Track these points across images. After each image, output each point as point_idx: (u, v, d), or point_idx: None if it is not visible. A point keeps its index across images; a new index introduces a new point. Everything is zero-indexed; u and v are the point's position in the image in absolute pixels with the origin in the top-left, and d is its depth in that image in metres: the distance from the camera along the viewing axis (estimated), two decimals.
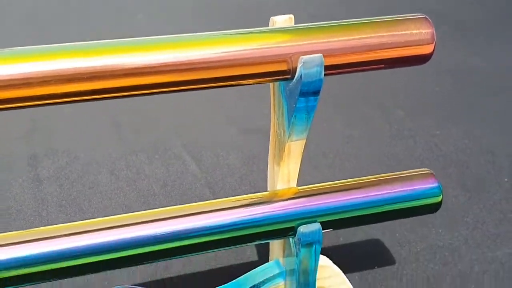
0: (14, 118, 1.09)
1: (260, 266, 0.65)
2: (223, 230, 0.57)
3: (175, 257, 0.58)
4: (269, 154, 0.62)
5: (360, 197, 0.61)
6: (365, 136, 1.05)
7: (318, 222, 0.59)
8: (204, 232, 0.57)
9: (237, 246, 0.59)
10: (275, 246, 0.67)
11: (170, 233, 0.56)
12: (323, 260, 0.65)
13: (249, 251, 0.80)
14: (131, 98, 0.52)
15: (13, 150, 1.00)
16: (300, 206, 0.59)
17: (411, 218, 0.85)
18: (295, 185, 0.62)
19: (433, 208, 0.64)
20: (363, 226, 0.83)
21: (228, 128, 1.08)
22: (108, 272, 0.74)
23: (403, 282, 0.75)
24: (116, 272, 0.75)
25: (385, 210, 0.62)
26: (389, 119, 1.12)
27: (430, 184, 0.63)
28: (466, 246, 0.81)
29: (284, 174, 0.61)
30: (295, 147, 0.59)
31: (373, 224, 0.84)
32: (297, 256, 0.60)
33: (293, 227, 0.59)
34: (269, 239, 0.60)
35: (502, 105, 1.17)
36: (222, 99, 1.17)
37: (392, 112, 1.15)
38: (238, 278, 0.65)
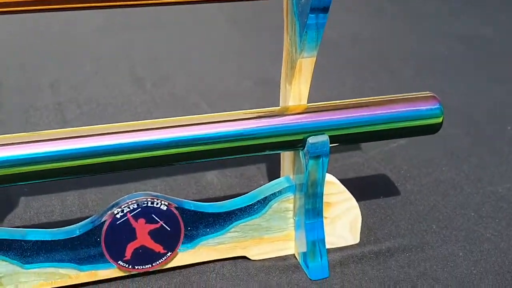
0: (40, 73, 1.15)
1: (271, 182, 0.70)
2: (235, 138, 0.62)
3: (187, 161, 0.62)
4: (281, 74, 0.67)
5: (367, 114, 0.65)
6: (375, 91, 1.09)
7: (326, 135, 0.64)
8: (219, 139, 0.62)
9: (248, 154, 0.64)
10: (286, 164, 0.71)
11: (184, 138, 0.61)
12: (329, 177, 0.69)
13: (261, 174, 0.84)
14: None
15: (41, 98, 1.05)
16: (310, 120, 0.64)
17: (417, 158, 0.89)
18: (306, 103, 0.66)
19: (435, 128, 0.68)
20: (371, 162, 0.88)
21: (243, 80, 1.13)
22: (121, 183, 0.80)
23: (407, 210, 0.79)
24: (128, 185, 0.81)
25: (389, 127, 0.66)
26: (398, 78, 1.17)
27: (432, 106, 0.67)
28: (467, 181, 0.85)
29: (296, 92, 0.65)
30: (306, 64, 0.63)
31: (380, 161, 0.89)
32: (306, 168, 0.65)
33: (302, 139, 0.64)
34: (279, 150, 0.65)
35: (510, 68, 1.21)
36: (239, 54, 1.22)
37: (402, 71, 1.19)
38: (250, 192, 0.70)
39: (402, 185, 0.84)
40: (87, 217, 0.67)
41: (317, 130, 0.64)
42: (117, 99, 1.06)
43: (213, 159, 0.63)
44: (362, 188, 0.83)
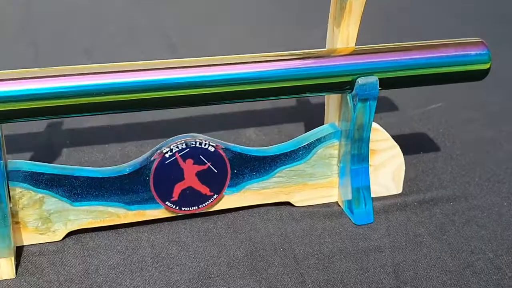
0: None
1: (316, 128, 0.70)
2: (282, 78, 0.62)
3: (232, 101, 0.63)
4: (329, 17, 0.67)
5: (416, 57, 0.65)
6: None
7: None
8: (266, 78, 0.62)
9: (296, 96, 0.64)
10: (330, 110, 0.71)
11: (231, 76, 0.61)
12: (374, 124, 0.69)
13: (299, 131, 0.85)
14: None
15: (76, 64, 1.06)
16: (358, 61, 0.64)
17: (455, 119, 0.89)
18: (354, 46, 0.66)
19: (482, 73, 0.68)
20: (409, 122, 0.88)
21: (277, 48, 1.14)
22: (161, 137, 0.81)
23: (448, 164, 0.79)
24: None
25: (438, 71, 0.66)
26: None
27: (481, 51, 0.67)
28: (507, 139, 0.84)
29: (344, 35, 0.65)
30: (356, 5, 0.63)
31: (418, 121, 0.88)
32: (353, 112, 0.65)
33: (350, 80, 0.64)
34: (325, 92, 0.65)
35: None
36: (271, 22, 1.23)
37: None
38: (294, 138, 0.70)
39: (442, 142, 0.84)
40: None
41: (366, 72, 0.64)
42: None
43: (260, 99, 0.64)
44: (401, 144, 0.82)
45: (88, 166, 0.76)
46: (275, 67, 0.62)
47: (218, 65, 0.62)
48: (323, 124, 0.72)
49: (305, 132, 0.84)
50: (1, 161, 0.57)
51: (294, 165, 0.69)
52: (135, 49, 1.11)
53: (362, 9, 0.64)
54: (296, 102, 0.94)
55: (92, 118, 0.87)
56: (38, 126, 0.84)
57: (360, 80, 0.63)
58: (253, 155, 0.67)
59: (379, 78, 0.64)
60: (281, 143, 0.70)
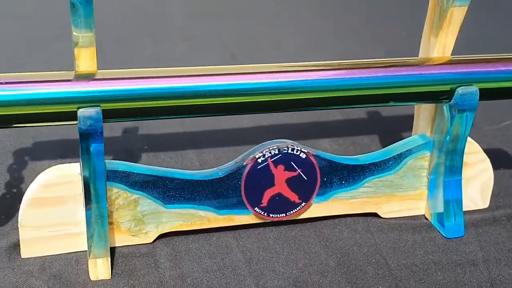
0: None
1: (406, 139, 0.69)
2: (379, 85, 0.62)
3: (321, 107, 0.63)
4: (425, 26, 0.66)
5: None
6: None
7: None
8: (361, 85, 0.62)
9: (391, 104, 0.63)
10: (421, 121, 0.70)
11: (318, 83, 0.61)
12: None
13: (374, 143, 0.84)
14: None
15: None
16: (458, 71, 0.63)
17: None
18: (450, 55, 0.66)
19: None
20: (484, 137, 0.86)
21: None
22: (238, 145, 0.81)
23: None
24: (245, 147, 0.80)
25: None
26: None
27: None
28: None
29: (441, 44, 0.65)
30: (457, 14, 0.63)
31: (494, 137, 0.87)
32: (450, 122, 0.64)
33: (448, 90, 0.63)
34: (420, 101, 0.64)
35: None
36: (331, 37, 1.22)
37: None
38: (384, 148, 0.69)
39: None
40: None
41: (465, 82, 0.63)
42: None
43: (352, 106, 0.63)
44: None
45: None
46: (371, 74, 0.62)
47: (305, 71, 0.61)
48: (394, 137, 0.71)
49: (381, 144, 0.84)
50: (102, 161, 0.57)
51: (383, 175, 0.68)
52: (195, 59, 1.11)
53: (462, 19, 0.63)
54: (366, 114, 0.93)
55: (168, 124, 0.87)
56: (115, 131, 0.84)
57: (461, 90, 0.63)
58: (343, 164, 0.66)
59: (480, 88, 0.63)
60: (357, 154, 0.69)
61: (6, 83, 0.54)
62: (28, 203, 0.59)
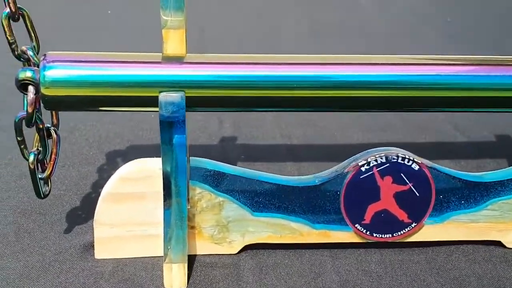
0: None
1: None
2: None
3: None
4: None
5: None
6: None
7: None
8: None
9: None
10: None
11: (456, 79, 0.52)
12: None
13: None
14: None
15: None
16: None
17: None
18: None
19: None
20: None
21: None
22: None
23: None
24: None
25: None
26: None
27: None
28: None
29: None
30: None
31: None
32: None
33: None
34: None
35: None
36: None
37: None
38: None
39: None
40: None
41: None
42: None
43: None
44: None
45: None
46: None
47: (447, 65, 0.53)
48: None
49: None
50: (184, 154, 0.51)
51: (511, 197, 0.57)
52: None
53: None
54: (494, 137, 0.82)
55: (266, 134, 0.81)
56: (212, 139, 0.79)
57: None
58: (464, 180, 0.57)
59: None
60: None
61: (86, 61, 0.50)
62: (105, 198, 0.54)
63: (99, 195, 0.64)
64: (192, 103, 0.50)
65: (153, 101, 0.49)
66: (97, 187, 0.67)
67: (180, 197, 0.52)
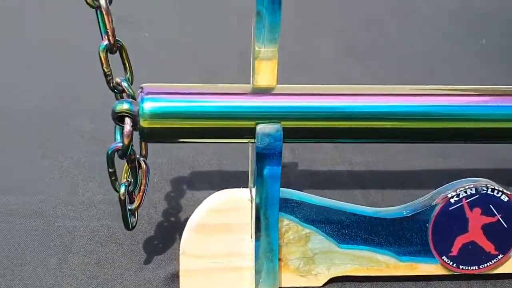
0: None
1: None
2: None
3: None
4: None
5: None
6: None
7: None
8: None
9: None
10: None
11: None
12: None
13: None
14: None
15: None
16: None
17: None
18: None
19: None
20: None
21: None
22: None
23: None
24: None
25: None
26: None
27: None
28: None
29: None
30: None
31: None
32: None
33: None
34: None
35: None
36: None
37: None
38: None
39: None
40: None
41: None
42: None
43: None
44: None
45: None
46: None
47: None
48: None
49: None
50: (278, 186, 0.50)
51: None
52: None
53: None
54: None
55: (330, 161, 0.80)
56: None
57: None
58: None
59: None
60: None
61: (183, 93, 0.49)
62: (193, 229, 0.53)
63: (171, 224, 0.64)
64: (288, 135, 0.49)
65: (249, 132, 0.49)
66: (168, 215, 0.66)
67: (270, 229, 0.51)
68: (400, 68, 1.15)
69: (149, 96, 0.48)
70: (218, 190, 0.69)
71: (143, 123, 0.48)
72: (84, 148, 0.79)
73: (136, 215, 0.54)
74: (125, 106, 0.48)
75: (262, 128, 0.49)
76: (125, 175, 0.52)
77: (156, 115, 0.48)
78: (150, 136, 0.48)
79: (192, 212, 0.54)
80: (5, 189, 0.69)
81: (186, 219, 0.55)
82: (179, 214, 0.67)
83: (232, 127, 0.49)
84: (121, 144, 0.48)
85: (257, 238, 0.52)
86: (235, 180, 0.73)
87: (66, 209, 0.66)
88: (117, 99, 0.52)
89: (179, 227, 0.63)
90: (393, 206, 0.57)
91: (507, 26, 1.40)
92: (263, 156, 0.49)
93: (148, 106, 0.48)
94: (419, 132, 0.51)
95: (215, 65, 1.10)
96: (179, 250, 0.54)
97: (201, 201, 0.55)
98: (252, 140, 0.49)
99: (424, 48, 1.27)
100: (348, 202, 0.66)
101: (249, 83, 0.52)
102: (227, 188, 0.68)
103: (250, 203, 0.53)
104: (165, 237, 0.62)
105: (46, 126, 0.84)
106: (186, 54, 1.16)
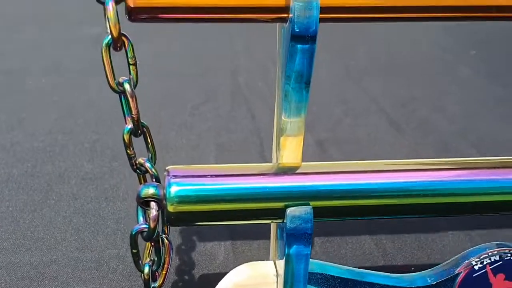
0: None
1: None
2: None
3: None
4: None
5: None
6: None
7: None
8: None
9: None
10: None
11: None
12: None
13: None
14: None
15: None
16: None
17: None
18: None
19: None
20: None
21: None
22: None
23: None
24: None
25: None
26: None
27: None
28: None
29: None
30: None
31: None
32: None
33: None
34: None
35: None
36: None
37: None
38: None
39: None
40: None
41: None
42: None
43: None
44: None
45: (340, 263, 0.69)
46: None
47: None
48: None
49: None
50: (307, 266, 0.50)
51: None
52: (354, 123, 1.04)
53: None
54: None
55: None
56: None
57: None
58: None
59: None
60: None
61: (209, 176, 0.48)
62: None
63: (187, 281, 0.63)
64: (318, 214, 0.48)
65: (278, 214, 0.48)
66: (181, 272, 0.65)
67: None
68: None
69: (176, 180, 0.47)
70: (230, 243, 0.69)
71: (170, 208, 0.46)
72: None
73: None
74: (151, 191, 0.46)
75: (292, 210, 0.48)
76: (148, 254, 0.51)
77: (183, 200, 0.46)
78: (177, 220, 0.47)
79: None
80: None
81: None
82: (193, 271, 0.66)
83: (261, 209, 0.48)
84: (146, 226, 0.47)
85: None
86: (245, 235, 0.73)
87: None
88: (139, 179, 0.51)
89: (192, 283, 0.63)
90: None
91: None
92: (293, 237, 0.48)
93: (175, 190, 0.46)
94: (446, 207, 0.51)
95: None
96: None
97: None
98: (281, 221, 0.48)
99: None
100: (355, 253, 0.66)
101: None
102: (237, 241, 0.67)
103: (276, 278, 0.52)
104: None
105: None
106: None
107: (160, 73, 1.16)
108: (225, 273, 0.66)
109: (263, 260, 0.66)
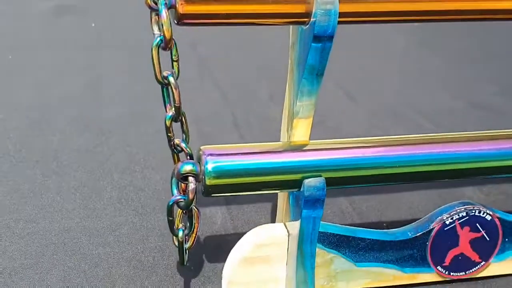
0: None
1: None
2: None
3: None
4: None
5: None
6: None
7: None
8: None
9: None
10: None
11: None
12: None
13: None
14: None
15: None
16: None
17: None
18: None
19: None
20: None
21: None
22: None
23: None
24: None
25: None
26: None
27: None
28: None
29: None
30: None
31: None
32: None
33: None
34: None
35: None
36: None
37: None
38: None
39: None
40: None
41: None
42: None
43: None
44: None
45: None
46: None
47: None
48: None
49: None
50: (318, 226, 0.60)
51: None
52: None
53: None
54: None
55: None
56: None
57: None
58: None
59: None
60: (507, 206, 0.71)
61: (238, 153, 0.57)
62: (239, 261, 0.62)
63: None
64: (330, 183, 0.58)
65: (296, 184, 0.58)
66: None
67: (307, 261, 0.61)
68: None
69: (212, 158, 0.55)
70: (225, 208, 0.77)
71: (208, 181, 0.55)
72: None
73: (188, 253, 0.61)
74: (189, 167, 0.55)
75: (309, 181, 0.57)
76: (180, 220, 0.59)
77: (219, 175, 0.55)
78: (213, 191, 0.56)
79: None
80: None
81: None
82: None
83: (282, 180, 0.57)
84: (182, 198, 0.55)
85: (295, 269, 0.61)
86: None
87: None
88: (174, 157, 0.59)
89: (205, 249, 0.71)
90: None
91: None
92: (310, 203, 0.58)
93: (212, 166, 0.55)
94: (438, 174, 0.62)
95: None
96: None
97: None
98: (298, 190, 0.58)
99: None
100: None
101: None
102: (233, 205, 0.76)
103: (287, 237, 0.62)
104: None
105: None
106: None
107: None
108: (226, 235, 0.75)
109: (260, 222, 0.76)
